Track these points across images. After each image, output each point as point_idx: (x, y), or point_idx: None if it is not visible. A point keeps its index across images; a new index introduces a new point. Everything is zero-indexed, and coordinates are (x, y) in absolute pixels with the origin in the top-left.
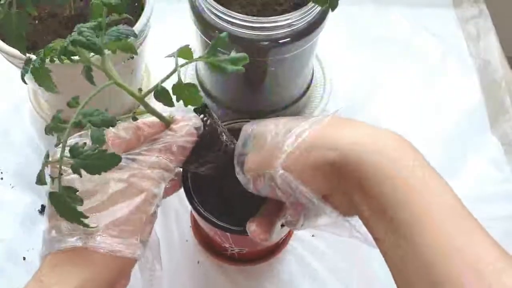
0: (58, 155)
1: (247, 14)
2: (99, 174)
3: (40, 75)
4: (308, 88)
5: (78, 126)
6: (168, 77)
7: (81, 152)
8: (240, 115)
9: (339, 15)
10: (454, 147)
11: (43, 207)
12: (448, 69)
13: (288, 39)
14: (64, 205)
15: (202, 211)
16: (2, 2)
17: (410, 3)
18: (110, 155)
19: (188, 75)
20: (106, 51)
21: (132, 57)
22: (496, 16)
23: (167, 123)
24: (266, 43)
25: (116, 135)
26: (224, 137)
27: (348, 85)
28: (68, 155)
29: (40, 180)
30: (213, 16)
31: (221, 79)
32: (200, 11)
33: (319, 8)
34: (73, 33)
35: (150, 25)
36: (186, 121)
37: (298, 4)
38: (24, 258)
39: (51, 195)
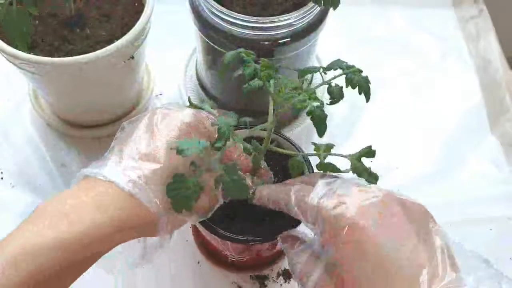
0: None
1: (247, 14)
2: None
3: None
4: None
5: None
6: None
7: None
8: (240, 115)
9: (339, 15)
10: (454, 147)
11: None
12: (448, 69)
13: (288, 39)
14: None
15: None
16: (2, 1)
17: (410, 3)
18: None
19: (188, 75)
20: None
21: (133, 57)
22: (496, 16)
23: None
24: (266, 43)
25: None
26: None
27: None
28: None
29: None
30: (213, 16)
31: (221, 79)
32: (200, 11)
33: (319, 8)
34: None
35: (150, 25)
36: (268, 174)
37: (298, 4)
38: None
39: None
